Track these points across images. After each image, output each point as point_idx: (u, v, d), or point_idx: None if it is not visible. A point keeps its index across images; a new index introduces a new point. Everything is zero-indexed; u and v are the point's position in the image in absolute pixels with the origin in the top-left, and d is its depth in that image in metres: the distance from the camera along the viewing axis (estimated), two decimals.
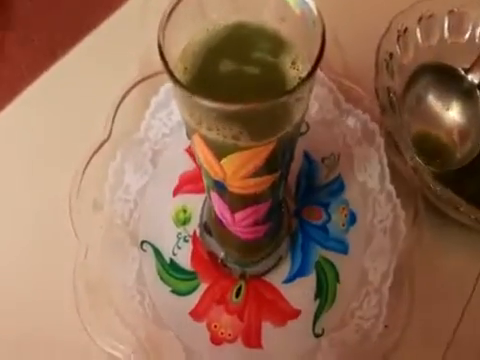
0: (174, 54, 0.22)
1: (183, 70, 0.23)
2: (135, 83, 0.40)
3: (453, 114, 0.38)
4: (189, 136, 0.24)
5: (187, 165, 0.39)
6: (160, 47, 0.20)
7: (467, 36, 0.40)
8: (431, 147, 0.34)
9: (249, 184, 0.24)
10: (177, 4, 0.21)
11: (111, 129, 0.37)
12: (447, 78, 0.38)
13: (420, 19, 0.39)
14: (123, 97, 0.39)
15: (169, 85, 0.39)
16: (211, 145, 0.22)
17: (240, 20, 0.24)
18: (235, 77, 0.22)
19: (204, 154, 0.23)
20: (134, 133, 0.39)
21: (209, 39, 0.23)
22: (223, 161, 0.22)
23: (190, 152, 0.39)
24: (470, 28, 0.40)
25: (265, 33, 0.23)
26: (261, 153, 0.21)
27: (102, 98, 0.39)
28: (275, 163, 0.23)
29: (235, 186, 0.24)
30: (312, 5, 0.21)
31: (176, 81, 0.19)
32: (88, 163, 0.37)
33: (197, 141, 0.22)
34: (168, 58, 0.20)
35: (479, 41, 0.40)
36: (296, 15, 0.22)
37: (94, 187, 0.36)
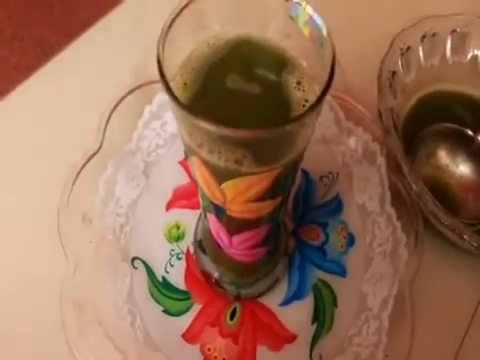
0: (173, 68, 0.21)
1: (182, 86, 0.21)
2: (128, 91, 0.38)
3: (464, 174, 0.38)
4: (187, 156, 0.22)
5: (181, 178, 0.37)
6: (159, 62, 0.19)
7: (469, 56, 0.40)
8: (440, 194, 0.33)
9: (250, 209, 0.23)
10: (177, 15, 0.20)
11: (102, 139, 0.36)
12: (456, 140, 0.39)
13: (423, 37, 0.38)
14: (116, 105, 0.38)
15: (164, 95, 0.38)
16: (212, 169, 0.20)
17: (243, 35, 0.23)
18: (237, 96, 0.21)
19: (203, 177, 0.21)
20: (126, 143, 0.37)
21: (210, 54, 0.22)
22: (224, 185, 0.21)
23: (185, 165, 0.38)
24: (472, 48, 0.40)
25: (269, 50, 0.23)
26: (264, 179, 0.20)
27: (93, 105, 0.37)
28: (278, 188, 0.22)
29: (235, 210, 0.23)
30: (322, 26, 0.20)
31: (176, 101, 0.18)
32: (78, 174, 0.35)
33: (196, 163, 0.21)
34: (166, 72, 0.18)
35: None
36: (303, 34, 0.21)
37: (84, 200, 0.35)
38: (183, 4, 0.20)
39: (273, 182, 0.21)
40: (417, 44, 0.38)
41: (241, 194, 0.21)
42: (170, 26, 0.20)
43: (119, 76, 0.39)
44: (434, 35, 0.38)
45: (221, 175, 0.20)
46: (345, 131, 0.37)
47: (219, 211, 0.24)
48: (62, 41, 0.43)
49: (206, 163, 0.20)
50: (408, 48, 0.37)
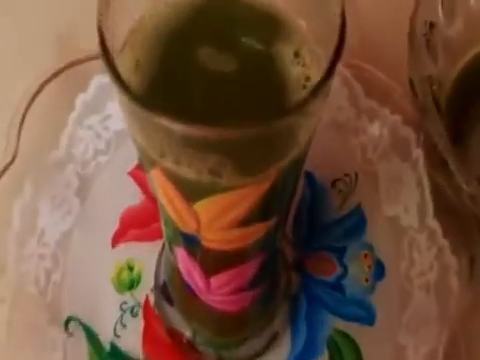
0: (119, 37, 0.21)
1: (134, 64, 0.21)
2: (51, 75, 0.39)
3: None
4: (145, 170, 0.23)
5: (132, 196, 0.38)
6: (101, 31, 0.18)
7: None
8: None
9: (233, 237, 0.23)
10: None
11: (16, 147, 0.36)
12: None
13: None
14: (33, 97, 0.38)
15: (102, 78, 0.39)
16: (179, 184, 0.21)
17: None
18: (212, 78, 0.22)
19: (168, 196, 0.22)
20: (51, 151, 0.38)
21: (171, 17, 0.22)
22: (197, 206, 0.22)
23: (137, 176, 0.38)
24: None
25: (254, 8, 0.22)
26: (251, 194, 0.21)
27: (2, 98, 0.38)
28: (271, 206, 0.23)
29: (212, 240, 0.24)
30: None
31: (125, 89, 0.18)
32: None
33: (158, 178, 0.21)
34: (110, 46, 0.19)
35: None
36: None
37: None
38: None
39: (264, 198, 0.21)
40: None
41: (221, 217, 0.22)
42: None
43: (38, 55, 0.39)
44: None
45: (193, 193, 0.21)
46: (365, 113, 0.38)
47: (191, 243, 0.24)
48: None
49: (171, 177, 0.21)
50: None
